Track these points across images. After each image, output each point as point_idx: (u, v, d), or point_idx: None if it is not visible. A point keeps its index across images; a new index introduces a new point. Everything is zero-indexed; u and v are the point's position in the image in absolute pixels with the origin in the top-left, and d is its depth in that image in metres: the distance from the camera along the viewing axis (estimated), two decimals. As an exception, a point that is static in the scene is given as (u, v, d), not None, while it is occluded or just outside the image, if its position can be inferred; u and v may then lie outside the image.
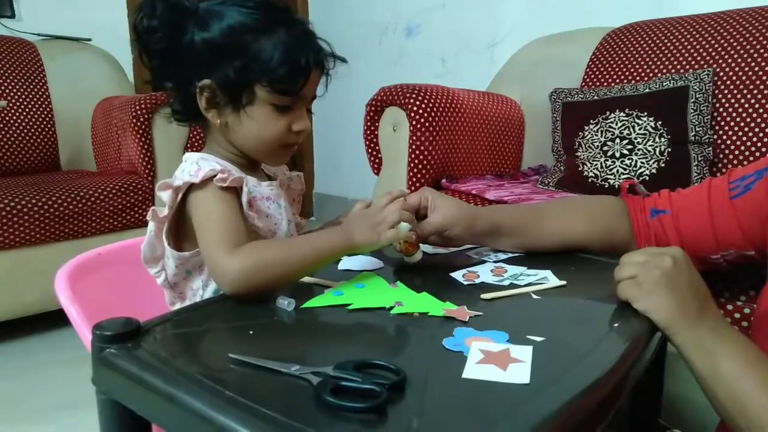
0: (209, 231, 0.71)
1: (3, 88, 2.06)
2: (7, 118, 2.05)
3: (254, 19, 0.75)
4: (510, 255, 0.87)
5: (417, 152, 1.53)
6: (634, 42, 1.75)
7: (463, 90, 1.74)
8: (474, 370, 0.51)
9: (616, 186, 1.51)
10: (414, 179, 1.54)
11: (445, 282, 0.75)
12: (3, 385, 1.53)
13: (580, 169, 1.60)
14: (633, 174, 1.51)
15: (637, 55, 1.73)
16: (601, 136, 1.59)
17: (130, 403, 0.53)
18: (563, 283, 0.74)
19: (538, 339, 0.57)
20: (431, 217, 0.83)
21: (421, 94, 1.55)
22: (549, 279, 0.76)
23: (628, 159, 1.52)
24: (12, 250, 1.62)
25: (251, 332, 0.59)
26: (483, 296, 0.70)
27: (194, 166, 0.77)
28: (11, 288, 1.62)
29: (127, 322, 0.58)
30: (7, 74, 2.07)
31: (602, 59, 1.80)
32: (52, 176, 1.98)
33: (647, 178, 1.48)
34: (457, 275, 0.78)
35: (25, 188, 1.71)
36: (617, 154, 1.54)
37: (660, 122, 1.51)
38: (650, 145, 1.50)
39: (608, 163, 1.55)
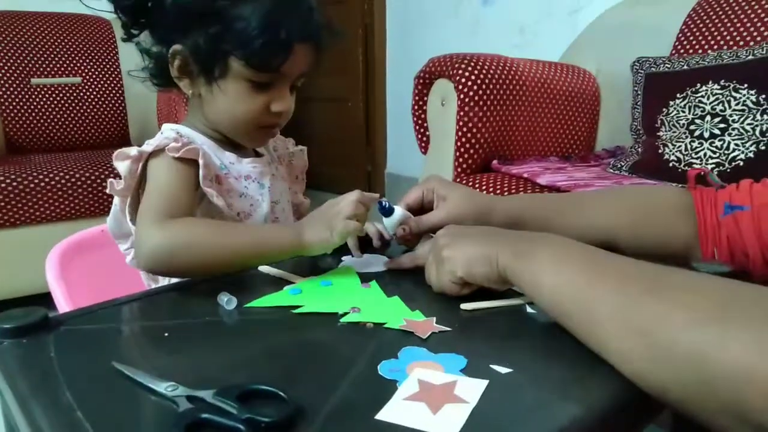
0: (147, 199, 0.65)
1: (77, 64, 2.14)
2: (80, 94, 2.14)
3: None
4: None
5: (465, 129, 1.38)
6: (741, 1, 1.46)
7: (526, 60, 1.55)
8: (395, 409, 0.39)
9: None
10: (461, 159, 1.40)
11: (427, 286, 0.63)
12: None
13: (660, 151, 1.37)
14: (725, 158, 1.26)
15: (742, 16, 1.44)
16: (689, 113, 1.34)
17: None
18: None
19: (504, 371, 0.44)
20: (435, 211, 0.70)
21: (472, 64, 1.38)
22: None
23: (720, 140, 1.27)
24: (65, 222, 1.68)
25: (166, 334, 0.51)
26: (464, 306, 0.56)
27: (160, 135, 0.70)
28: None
29: (30, 312, 0.51)
30: (82, 51, 2.16)
31: (699, 22, 1.52)
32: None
33: (741, 163, 1.23)
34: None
35: (82, 162, 1.76)
36: (706, 134, 1.29)
37: (763, 96, 1.24)
38: (748, 124, 1.24)
39: (695, 144, 1.31)
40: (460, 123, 1.37)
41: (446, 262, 0.57)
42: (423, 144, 1.53)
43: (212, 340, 0.51)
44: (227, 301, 0.56)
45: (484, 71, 1.38)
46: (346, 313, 0.55)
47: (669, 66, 1.45)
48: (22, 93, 2.03)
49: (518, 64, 1.49)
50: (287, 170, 0.86)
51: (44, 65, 2.06)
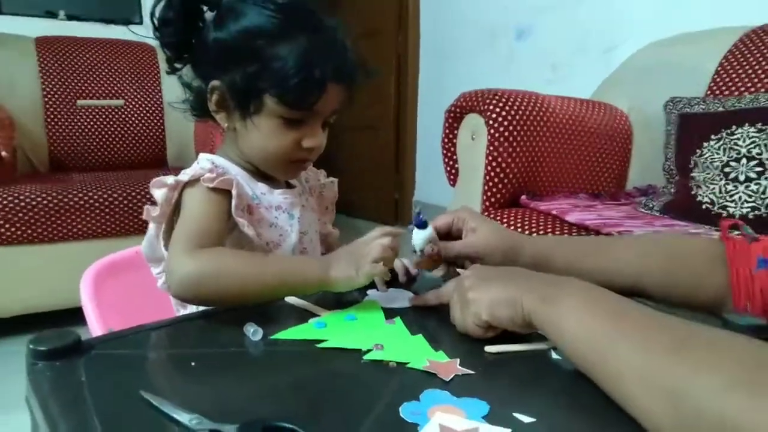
0: (180, 227, 0.66)
1: (121, 87, 2.23)
2: (122, 116, 2.22)
3: (273, 23, 0.69)
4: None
5: (494, 164, 1.38)
6: (779, 43, 1.45)
7: (557, 97, 1.55)
8: (415, 454, 0.39)
9: (737, 216, 1.24)
10: (489, 193, 1.40)
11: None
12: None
13: (693, 192, 1.35)
14: (761, 202, 1.23)
15: (781, 59, 1.43)
16: (724, 155, 1.32)
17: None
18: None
19: (526, 420, 0.43)
20: (464, 240, 0.71)
21: (503, 100, 1.39)
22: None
23: (756, 183, 1.25)
24: (101, 240, 1.73)
25: (193, 364, 0.52)
26: (488, 349, 0.56)
27: (196, 165, 0.73)
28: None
29: (63, 335, 0.53)
30: (126, 75, 2.25)
31: (735, 64, 1.51)
32: (152, 173, 2.10)
33: (778, 209, 1.20)
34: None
35: (119, 182, 1.82)
36: (742, 177, 1.27)
37: (802, 140, 1.22)
38: (786, 168, 1.22)
39: (729, 187, 1.28)
40: (490, 158, 1.37)
41: (471, 304, 0.57)
42: (452, 176, 1.54)
43: (238, 371, 0.52)
44: (253, 332, 0.57)
45: (515, 107, 1.39)
46: (369, 350, 0.55)
47: (704, 107, 1.44)
48: (68, 114, 2.11)
49: (549, 101, 1.49)
50: (317, 201, 0.88)
51: (90, 88, 2.15)
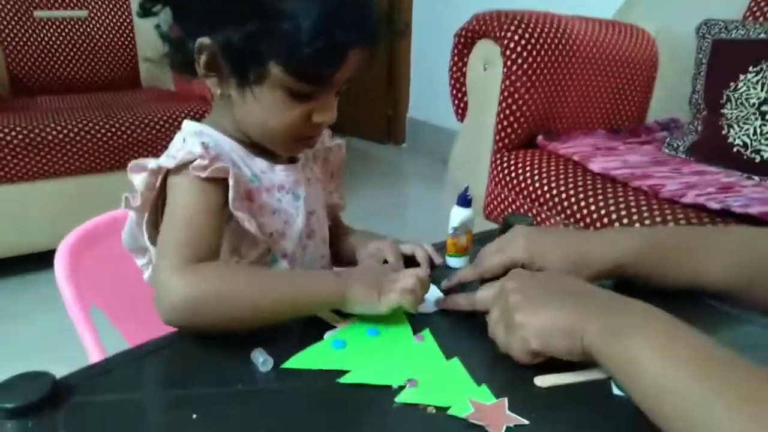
0: (167, 233, 0.55)
1: (84, -4, 1.98)
2: (86, 29, 1.99)
3: None
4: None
5: (510, 99, 1.24)
6: (835, -43, 1.28)
7: (579, 19, 1.38)
8: None
9: (772, 162, 1.15)
10: (503, 133, 1.27)
11: (486, 332, 0.54)
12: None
13: (724, 132, 1.24)
14: (799, 147, 1.13)
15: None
16: (762, 91, 1.20)
17: None
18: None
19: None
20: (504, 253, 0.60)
21: (523, 24, 1.23)
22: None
23: (797, 126, 1.14)
24: (77, 177, 1.60)
25: (194, 416, 0.43)
26: (539, 382, 0.48)
27: (181, 144, 0.59)
28: (77, 215, 1.61)
29: (35, 379, 0.44)
30: (87, -19, 1.99)
31: (781, -19, 1.34)
32: (127, 96, 1.92)
33: (821, 156, 1.11)
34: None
35: (94, 110, 1.66)
36: (781, 118, 1.16)
37: None
38: (834, 110, 1.11)
39: (765, 128, 1.17)
40: (506, 92, 1.24)
41: (519, 328, 0.49)
42: (460, 110, 1.40)
43: (246, 420, 0.43)
44: (263, 362, 0.48)
45: (535, 33, 1.23)
46: (401, 387, 0.47)
47: (743, 32, 1.29)
48: (25, 27, 1.88)
49: (572, 25, 1.33)
50: (322, 167, 0.75)
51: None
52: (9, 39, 1.86)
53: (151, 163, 0.57)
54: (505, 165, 1.25)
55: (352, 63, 0.56)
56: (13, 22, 1.86)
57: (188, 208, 0.55)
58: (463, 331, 0.57)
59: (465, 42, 1.33)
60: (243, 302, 0.52)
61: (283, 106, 0.57)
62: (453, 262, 0.68)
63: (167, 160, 0.57)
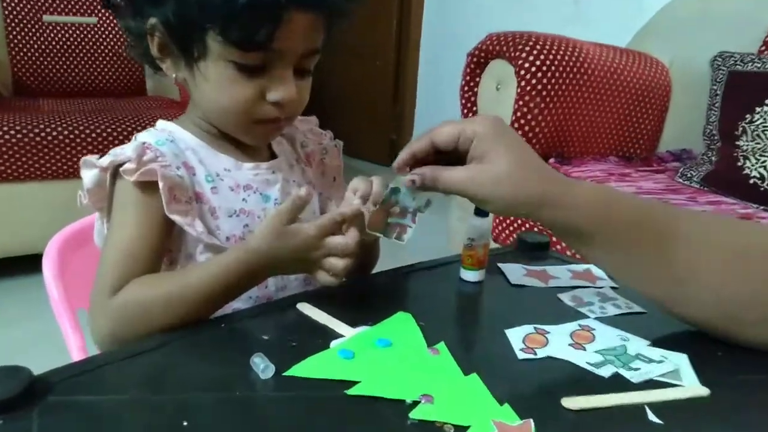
0: (103, 250, 0.54)
1: (94, 2, 1.97)
2: (95, 36, 1.98)
3: None
4: (617, 299, 0.59)
5: (523, 120, 1.22)
6: None
7: (594, 44, 1.37)
8: None
9: (790, 195, 1.12)
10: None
11: (506, 348, 0.50)
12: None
13: (739, 164, 1.21)
14: (818, 181, 1.11)
15: None
16: (779, 123, 1.18)
17: None
18: (705, 392, 0.46)
19: None
20: (461, 170, 0.49)
21: (538, 45, 1.22)
22: (682, 376, 0.48)
23: (816, 160, 1.11)
24: (73, 180, 1.56)
25: (185, 423, 0.38)
26: (566, 404, 0.44)
27: (131, 143, 0.57)
28: (71, 218, 1.57)
29: (10, 373, 0.39)
30: (99, -12, 1.98)
31: (798, 16, 1.34)
32: (130, 102, 1.90)
33: (841, 190, 1.08)
34: (517, 338, 0.52)
35: (93, 114, 1.63)
36: (799, 151, 1.14)
37: None
38: None
39: (783, 161, 1.15)
40: (518, 113, 1.21)
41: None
42: (470, 130, 1.37)
43: (242, 429, 0.39)
44: (264, 368, 0.44)
45: (551, 55, 1.22)
46: (415, 403, 0.42)
47: (759, 65, 1.28)
48: (33, 30, 1.87)
49: (586, 50, 1.31)
50: (319, 171, 0.70)
51: (58, 1, 1.89)
52: (16, 41, 1.85)
53: (99, 159, 0.55)
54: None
55: (300, 29, 0.52)
56: (21, 25, 1.85)
57: (123, 222, 0.54)
58: (480, 345, 0.53)
59: (478, 61, 1.31)
60: (166, 317, 0.50)
61: (232, 82, 0.53)
62: (469, 275, 0.64)
63: (106, 159, 0.54)
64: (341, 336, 0.51)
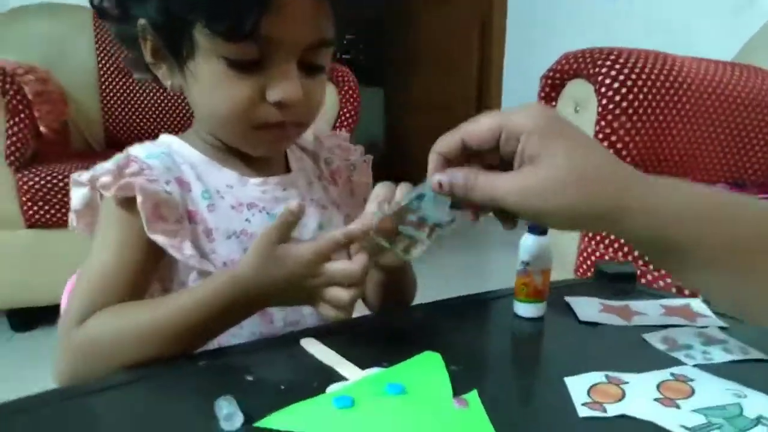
0: (78, 282, 0.49)
1: (180, 60, 2.08)
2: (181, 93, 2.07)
3: None
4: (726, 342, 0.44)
5: (606, 142, 1.07)
6: None
7: (691, 58, 1.21)
8: None
9: None
10: (597, 182, 1.09)
11: (563, 401, 0.37)
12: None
13: None
14: None
15: None
16: None
17: None
18: None
19: None
20: (506, 176, 0.38)
21: (621, 59, 1.08)
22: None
23: None
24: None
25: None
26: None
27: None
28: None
29: None
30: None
31: None
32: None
33: None
34: (580, 388, 0.39)
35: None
36: None
37: None
38: None
39: None
40: (600, 135, 1.07)
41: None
42: (547, 159, 1.24)
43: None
44: (227, 415, 0.34)
45: (636, 69, 1.07)
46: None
47: None
48: (125, 87, 1.99)
49: (680, 63, 1.15)
50: (346, 190, 0.62)
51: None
52: (108, 97, 1.97)
53: (84, 176, 0.49)
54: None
55: (299, 15, 0.45)
56: (114, 82, 1.98)
57: (101, 244, 0.48)
58: (528, 396, 0.40)
59: (553, 84, 1.19)
60: (136, 353, 0.43)
61: (225, 81, 0.46)
62: (523, 309, 0.51)
63: (86, 174, 0.48)
64: (345, 379, 0.40)
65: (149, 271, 0.48)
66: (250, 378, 0.40)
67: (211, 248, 0.50)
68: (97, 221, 0.50)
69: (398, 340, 0.48)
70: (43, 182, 1.41)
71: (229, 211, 0.51)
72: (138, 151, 0.52)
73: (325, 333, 0.46)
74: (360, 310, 0.51)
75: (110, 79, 1.97)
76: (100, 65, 1.95)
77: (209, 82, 0.47)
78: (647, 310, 0.54)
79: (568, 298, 0.55)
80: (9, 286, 1.47)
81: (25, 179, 1.41)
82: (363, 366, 0.41)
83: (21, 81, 1.35)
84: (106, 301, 0.45)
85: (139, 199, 0.46)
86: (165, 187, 0.49)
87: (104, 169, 0.48)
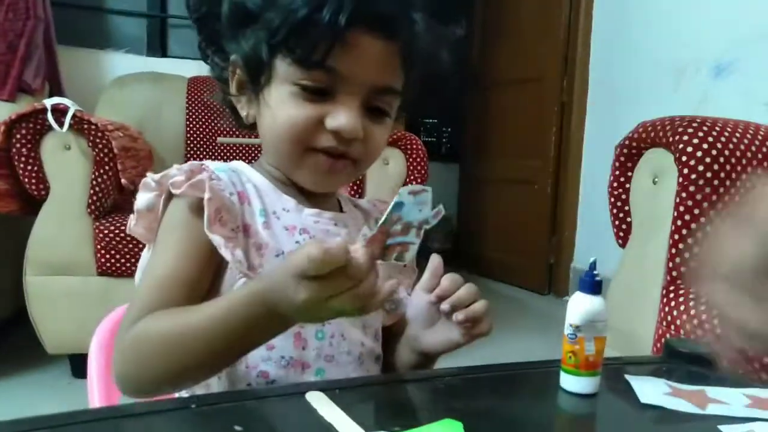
0: (141, 277, 0.52)
1: (261, 127, 2.19)
2: (260, 155, 2.16)
3: None
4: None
5: (688, 215, 0.98)
6: None
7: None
8: None
9: None
10: (678, 259, 0.99)
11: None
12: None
13: None
14: None
15: None
16: None
17: None
18: None
19: None
20: None
21: (705, 127, 1.00)
22: None
23: None
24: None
25: None
26: None
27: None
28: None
29: None
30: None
31: None
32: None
33: None
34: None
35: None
36: None
37: None
38: None
39: None
40: (681, 207, 0.98)
41: None
42: (621, 234, 1.15)
43: None
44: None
45: (722, 137, 0.99)
46: None
47: None
48: (207, 150, 2.10)
49: (766, 131, 1.05)
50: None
51: (233, 126, 2.13)
52: (192, 157, 2.09)
53: (155, 180, 0.52)
54: (680, 300, 0.95)
55: (369, 57, 0.49)
56: (198, 146, 2.10)
57: (164, 246, 0.50)
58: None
59: (629, 153, 1.12)
60: (173, 358, 0.43)
61: (291, 102, 0.50)
62: (571, 382, 0.44)
63: (152, 178, 0.52)
64: (347, 440, 0.35)
65: (205, 278, 0.50)
66: (239, 428, 0.35)
67: (260, 263, 0.51)
68: (154, 227, 0.53)
69: (419, 403, 0.42)
70: (117, 231, 1.48)
71: (282, 232, 0.53)
72: (209, 163, 0.55)
73: (337, 387, 0.41)
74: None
75: (195, 142, 2.10)
76: (188, 128, 2.08)
77: (277, 104, 0.51)
78: (728, 398, 0.44)
79: (628, 377, 0.47)
80: (74, 331, 1.51)
81: (101, 227, 1.48)
82: (372, 428, 0.36)
83: (110, 136, 1.45)
84: (161, 304, 0.46)
85: (206, 195, 0.48)
86: (229, 196, 0.51)
87: (178, 170, 0.51)
